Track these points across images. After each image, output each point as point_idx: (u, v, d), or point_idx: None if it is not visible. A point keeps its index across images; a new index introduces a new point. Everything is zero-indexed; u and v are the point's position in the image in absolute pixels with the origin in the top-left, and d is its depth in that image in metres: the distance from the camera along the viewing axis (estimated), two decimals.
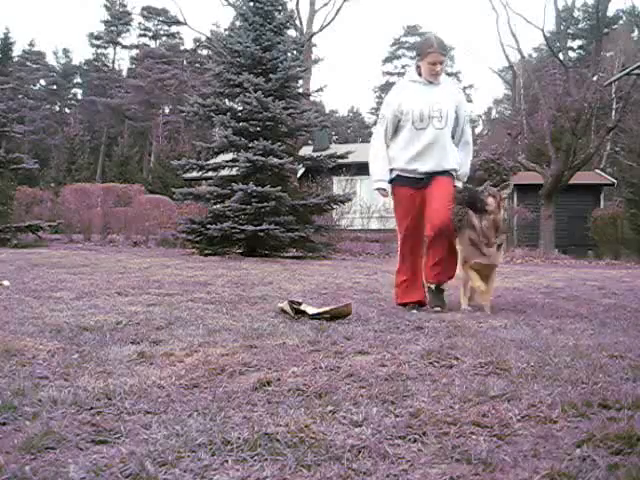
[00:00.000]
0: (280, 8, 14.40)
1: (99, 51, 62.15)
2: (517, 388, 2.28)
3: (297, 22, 30.60)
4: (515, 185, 23.76)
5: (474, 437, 1.78)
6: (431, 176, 4.78)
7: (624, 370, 2.58)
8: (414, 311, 4.63)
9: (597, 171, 28.81)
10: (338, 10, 31.61)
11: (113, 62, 62.76)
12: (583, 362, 2.71)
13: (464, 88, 63.70)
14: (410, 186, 4.84)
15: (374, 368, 2.62)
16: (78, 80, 63.01)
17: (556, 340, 3.36)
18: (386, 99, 5.04)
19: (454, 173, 4.91)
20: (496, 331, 3.70)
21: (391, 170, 4.91)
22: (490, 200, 4.63)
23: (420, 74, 4.86)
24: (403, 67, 65.03)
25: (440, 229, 4.65)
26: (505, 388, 2.27)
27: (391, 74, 65.40)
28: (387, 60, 66.06)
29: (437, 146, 4.75)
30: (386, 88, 64.93)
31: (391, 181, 4.91)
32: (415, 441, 1.75)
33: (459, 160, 4.91)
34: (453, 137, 4.90)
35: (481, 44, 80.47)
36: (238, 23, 17.58)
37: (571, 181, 23.22)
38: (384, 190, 4.89)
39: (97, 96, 55.91)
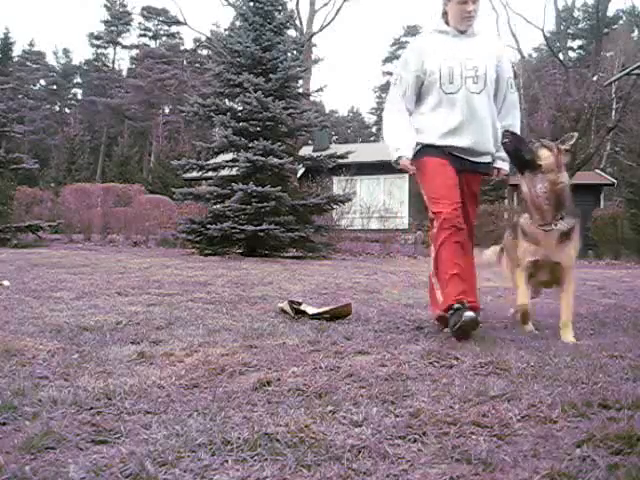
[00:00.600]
0: (280, 8, 14.41)
1: (99, 51, 62.18)
2: (517, 388, 2.28)
3: (297, 22, 30.68)
4: (515, 185, 23.79)
5: (474, 437, 1.78)
6: (468, 166, 3.71)
7: (624, 370, 2.58)
8: (468, 314, 3.27)
9: (597, 171, 28.80)
10: (338, 10, 31.73)
11: (113, 62, 62.80)
12: (583, 362, 2.71)
13: None
14: (446, 157, 3.65)
15: (374, 368, 2.61)
16: (78, 80, 63.03)
17: (556, 340, 3.35)
18: (403, 55, 3.88)
19: (490, 160, 3.80)
20: (496, 331, 3.70)
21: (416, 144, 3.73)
22: (544, 152, 3.43)
23: (448, 22, 3.73)
24: None
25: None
26: (505, 388, 2.27)
27: (391, 74, 65.26)
28: (387, 60, 66.05)
29: (474, 116, 3.61)
30: (386, 88, 64.96)
31: (416, 154, 3.72)
32: (415, 441, 1.75)
33: (496, 152, 3.77)
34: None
35: None
36: (238, 23, 17.59)
37: (571, 181, 23.22)
38: (407, 159, 3.66)
39: (97, 96, 55.92)
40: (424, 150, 3.69)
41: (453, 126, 3.62)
